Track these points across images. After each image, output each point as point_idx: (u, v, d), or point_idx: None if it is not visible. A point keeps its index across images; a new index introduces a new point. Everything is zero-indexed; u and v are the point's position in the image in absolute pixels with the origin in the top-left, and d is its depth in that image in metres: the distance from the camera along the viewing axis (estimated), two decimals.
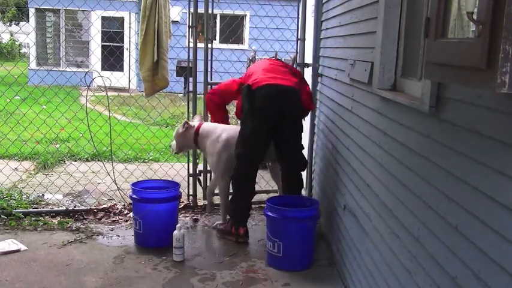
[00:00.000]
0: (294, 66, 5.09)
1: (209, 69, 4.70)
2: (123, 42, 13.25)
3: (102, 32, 13.10)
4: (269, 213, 3.57)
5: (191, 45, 4.73)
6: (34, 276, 3.36)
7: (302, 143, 4.03)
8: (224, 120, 4.41)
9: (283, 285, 3.37)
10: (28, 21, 14.47)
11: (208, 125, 4.30)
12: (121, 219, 4.48)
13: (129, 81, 12.03)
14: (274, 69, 3.97)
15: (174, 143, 4.39)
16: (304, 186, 4.93)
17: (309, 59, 4.86)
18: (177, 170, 5.29)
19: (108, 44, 11.29)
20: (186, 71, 6.06)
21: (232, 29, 12.56)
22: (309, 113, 4.39)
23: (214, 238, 4.17)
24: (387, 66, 2.64)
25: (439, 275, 1.86)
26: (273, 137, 3.90)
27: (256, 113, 3.82)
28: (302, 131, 4.01)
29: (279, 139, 3.90)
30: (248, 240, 4.04)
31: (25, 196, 4.78)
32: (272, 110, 3.79)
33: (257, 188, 4.16)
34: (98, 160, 5.90)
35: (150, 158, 6.65)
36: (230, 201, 4.11)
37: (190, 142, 4.31)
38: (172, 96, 8.41)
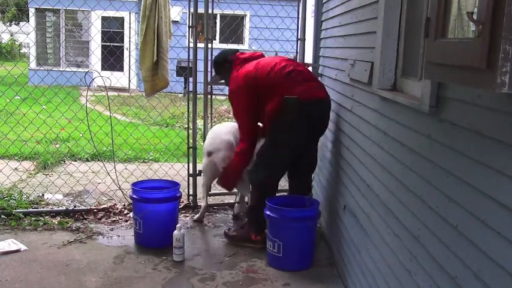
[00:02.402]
0: None
1: (209, 69, 4.70)
2: (123, 42, 13.25)
3: (102, 32, 13.10)
4: (269, 213, 3.57)
5: (191, 45, 4.73)
6: (34, 276, 3.36)
7: None
8: None
9: (283, 285, 3.37)
10: (28, 21, 14.47)
11: None
12: (121, 219, 4.48)
13: (129, 81, 12.02)
14: (303, 71, 3.81)
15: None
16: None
17: (309, 59, 4.86)
18: (177, 170, 5.29)
19: (108, 44, 11.28)
20: (186, 71, 6.06)
21: (232, 29, 12.55)
22: None
23: (214, 238, 4.17)
24: (387, 66, 2.64)
25: (439, 275, 1.86)
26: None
27: (300, 127, 3.63)
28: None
29: (305, 152, 3.87)
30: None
31: (25, 196, 4.78)
32: (319, 125, 3.79)
33: None
34: (98, 160, 5.90)
35: (150, 158, 6.65)
36: (253, 207, 3.91)
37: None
38: (172, 96, 8.40)
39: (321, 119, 3.77)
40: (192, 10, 4.63)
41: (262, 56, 4.03)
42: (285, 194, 4.61)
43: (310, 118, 3.65)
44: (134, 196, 3.89)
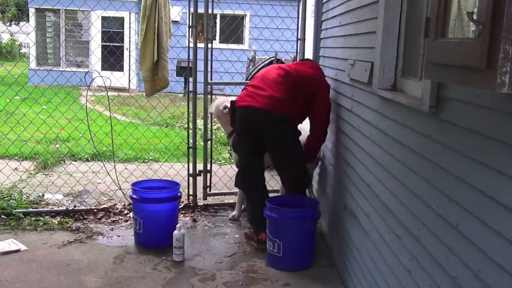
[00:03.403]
0: None
1: (209, 69, 4.70)
2: (123, 42, 13.24)
3: (102, 32, 13.09)
4: (269, 213, 3.57)
5: (191, 45, 4.73)
6: (34, 276, 3.36)
7: (298, 162, 3.84)
8: None
9: (283, 285, 3.37)
10: (28, 21, 14.47)
11: None
12: (121, 219, 4.48)
13: (129, 81, 12.02)
14: (266, 81, 3.80)
15: (214, 109, 4.44)
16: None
17: None
18: (177, 170, 5.29)
19: (108, 44, 11.28)
20: (186, 71, 6.06)
21: (232, 29, 12.55)
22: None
23: (214, 238, 4.17)
24: (387, 66, 2.64)
25: (439, 275, 1.86)
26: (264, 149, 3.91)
27: (240, 134, 3.93)
28: (294, 151, 3.80)
29: (270, 154, 3.92)
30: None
31: (25, 196, 4.78)
32: (246, 132, 3.84)
33: None
34: (98, 160, 5.90)
35: (150, 158, 6.65)
36: (246, 209, 4.22)
37: (227, 124, 4.32)
38: (172, 96, 8.40)
39: (252, 126, 3.77)
40: (192, 10, 4.63)
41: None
42: (277, 194, 4.62)
43: (241, 124, 3.84)
44: (134, 196, 3.89)
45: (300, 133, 3.86)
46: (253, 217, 3.96)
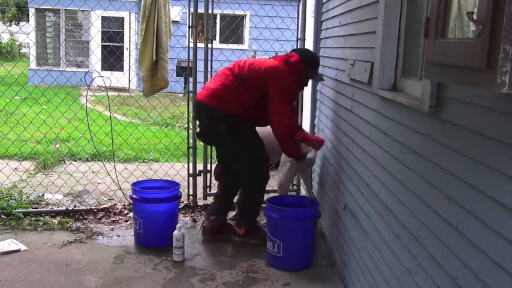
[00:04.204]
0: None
1: (209, 69, 4.70)
2: (123, 42, 13.24)
3: (102, 32, 13.10)
4: (269, 213, 3.57)
5: (191, 45, 4.73)
6: (34, 276, 3.36)
7: (242, 154, 3.83)
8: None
9: (283, 285, 3.37)
10: (28, 21, 14.47)
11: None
12: (121, 219, 4.48)
13: (129, 81, 12.02)
14: (216, 74, 4.02)
15: None
16: (304, 185, 4.93)
17: None
18: (177, 170, 5.29)
19: (108, 44, 11.28)
20: (186, 71, 6.05)
21: (232, 29, 12.55)
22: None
23: None
24: (387, 66, 2.64)
25: (439, 275, 1.86)
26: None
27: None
28: (235, 141, 3.80)
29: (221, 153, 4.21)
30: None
31: (25, 196, 4.78)
32: (201, 122, 4.04)
33: None
34: (98, 160, 5.90)
35: (150, 158, 6.65)
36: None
37: None
38: (172, 96, 8.41)
39: (198, 116, 4.12)
40: (192, 10, 4.63)
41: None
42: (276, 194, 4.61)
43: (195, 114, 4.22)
44: (134, 196, 3.89)
45: (250, 126, 3.88)
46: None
